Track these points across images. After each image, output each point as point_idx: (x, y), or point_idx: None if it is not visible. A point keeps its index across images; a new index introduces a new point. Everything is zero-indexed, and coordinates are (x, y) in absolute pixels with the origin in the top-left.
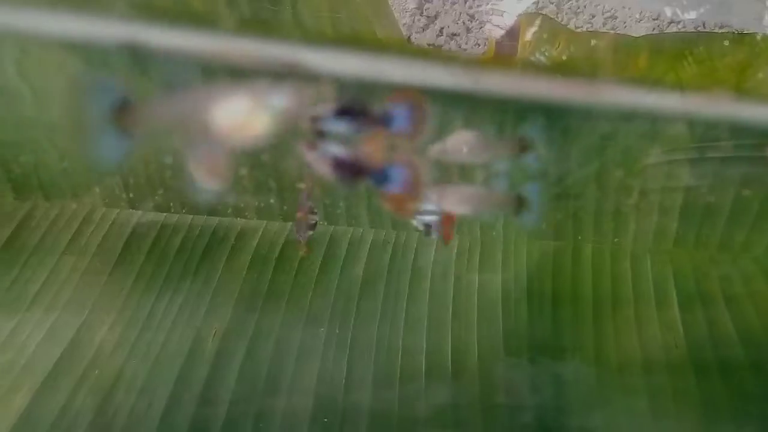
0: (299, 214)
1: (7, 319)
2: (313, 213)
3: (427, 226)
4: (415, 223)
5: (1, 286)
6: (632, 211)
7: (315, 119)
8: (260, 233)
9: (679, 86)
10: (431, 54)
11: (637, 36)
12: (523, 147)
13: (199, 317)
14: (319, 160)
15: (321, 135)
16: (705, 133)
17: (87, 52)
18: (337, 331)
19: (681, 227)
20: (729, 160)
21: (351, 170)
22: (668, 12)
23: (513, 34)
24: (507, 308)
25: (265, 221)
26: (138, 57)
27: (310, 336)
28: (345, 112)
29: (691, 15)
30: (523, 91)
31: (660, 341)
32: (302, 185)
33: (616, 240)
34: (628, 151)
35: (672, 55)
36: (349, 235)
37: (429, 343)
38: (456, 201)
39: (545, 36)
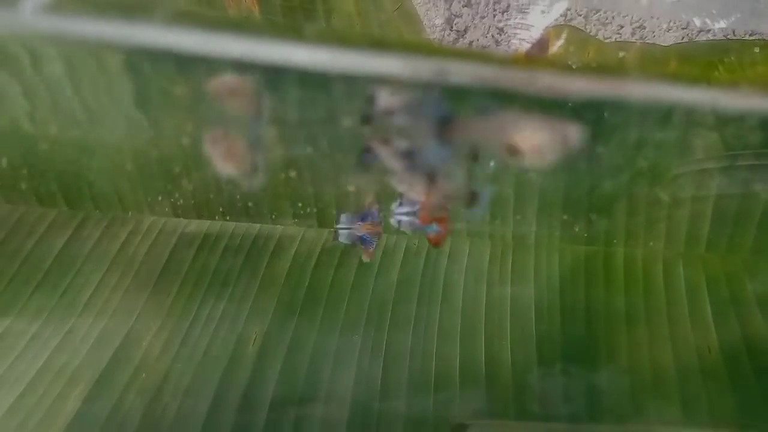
0: (371, 227)
1: (62, 323)
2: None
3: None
4: (391, 221)
5: (57, 292)
6: (664, 217)
7: (388, 113)
8: (298, 241)
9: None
10: (466, 54)
11: (666, 45)
12: (472, 201)
13: (241, 323)
14: (391, 156)
15: (392, 129)
16: (735, 141)
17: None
18: (373, 338)
19: (713, 232)
20: (758, 167)
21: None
22: (698, 22)
23: (543, 45)
24: (540, 314)
25: (303, 229)
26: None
27: (346, 342)
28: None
29: (721, 24)
30: (557, 88)
31: (693, 347)
32: (368, 196)
33: (648, 245)
34: (659, 161)
35: (702, 63)
36: (384, 243)
37: (463, 349)
38: (422, 190)
39: (573, 47)
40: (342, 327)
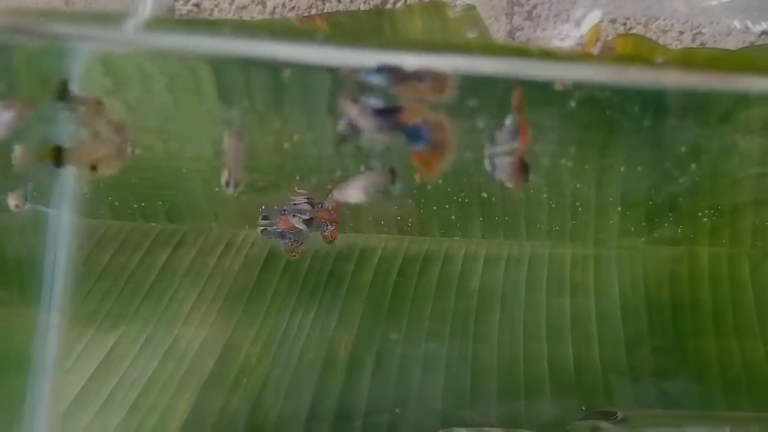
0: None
1: (167, 332)
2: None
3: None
4: (293, 221)
5: (162, 304)
6: (749, 216)
7: (353, 72)
8: (380, 252)
9: None
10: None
11: (732, 50)
12: (393, 177)
13: (330, 331)
14: (360, 113)
15: (360, 87)
16: None
17: None
18: (458, 345)
19: None
20: None
21: (390, 119)
22: (738, 24)
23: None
24: (626, 318)
25: (385, 238)
26: None
27: (432, 350)
28: (381, 68)
29: (763, 26)
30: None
31: None
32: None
33: (733, 245)
34: (740, 162)
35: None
36: (464, 251)
37: (550, 354)
38: (355, 192)
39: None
40: (427, 335)
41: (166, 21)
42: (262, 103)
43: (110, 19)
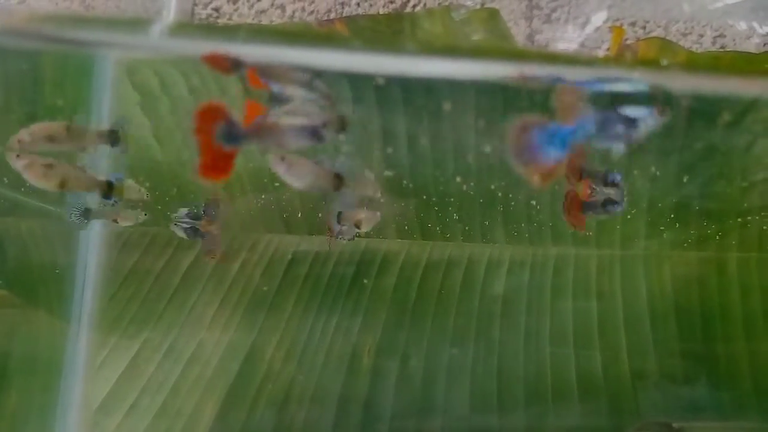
0: (210, 226)
1: (192, 337)
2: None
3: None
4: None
5: (186, 308)
6: None
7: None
8: (403, 256)
9: None
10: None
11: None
12: (342, 126)
13: (353, 336)
14: None
15: None
16: None
17: None
18: (483, 350)
19: None
20: None
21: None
22: (744, 26)
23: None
24: (655, 324)
25: (408, 243)
26: None
27: (457, 355)
28: None
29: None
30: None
31: None
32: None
33: (762, 249)
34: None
35: None
36: (487, 255)
37: (578, 360)
38: (299, 174)
39: (663, 56)
40: (452, 340)
41: (190, 26)
42: None
43: (135, 25)
